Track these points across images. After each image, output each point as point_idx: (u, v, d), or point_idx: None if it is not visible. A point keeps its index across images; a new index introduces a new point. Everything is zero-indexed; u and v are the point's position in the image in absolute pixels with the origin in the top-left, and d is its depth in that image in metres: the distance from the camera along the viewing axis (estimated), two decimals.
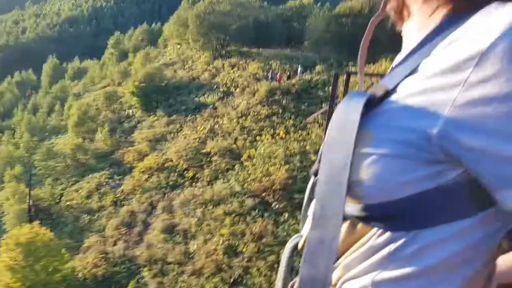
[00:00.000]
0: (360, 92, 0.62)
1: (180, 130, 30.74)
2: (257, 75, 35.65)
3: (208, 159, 24.57)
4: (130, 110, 39.10)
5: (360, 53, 0.80)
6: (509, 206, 0.50)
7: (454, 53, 0.52)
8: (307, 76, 31.90)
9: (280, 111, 28.10)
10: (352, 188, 0.59)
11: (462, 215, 0.56)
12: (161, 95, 38.29)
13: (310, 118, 25.29)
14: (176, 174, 24.29)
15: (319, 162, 0.65)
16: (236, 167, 22.80)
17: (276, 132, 25.65)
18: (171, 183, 23.85)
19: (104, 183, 26.97)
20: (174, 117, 33.33)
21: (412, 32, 0.66)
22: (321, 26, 37.70)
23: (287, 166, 20.55)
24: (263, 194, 19.70)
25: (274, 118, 27.54)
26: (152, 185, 24.09)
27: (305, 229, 0.72)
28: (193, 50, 47.91)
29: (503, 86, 0.47)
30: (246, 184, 20.68)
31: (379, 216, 0.60)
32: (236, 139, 26.18)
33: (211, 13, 42.85)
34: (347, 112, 0.60)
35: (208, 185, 22.32)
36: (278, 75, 33.12)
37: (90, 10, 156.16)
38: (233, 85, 35.34)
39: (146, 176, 25.10)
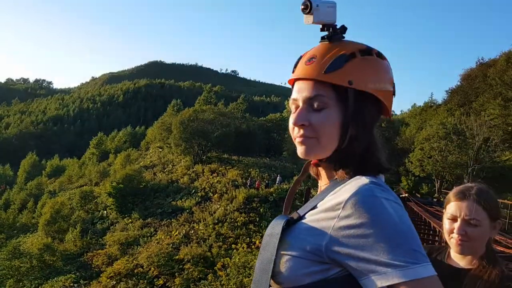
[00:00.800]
0: (284, 216, 1.00)
1: (154, 234, 29.96)
2: (236, 182, 35.96)
3: (181, 266, 23.68)
4: (105, 211, 38.31)
5: (286, 203, 1.22)
6: None
7: (333, 201, 0.91)
8: (285, 186, 32.32)
9: (257, 219, 27.94)
10: (275, 276, 0.92)
11: None
12: (138, 197, 37.91)
13: None
14: (145, 281, 23.16)
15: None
16: (209, 276, 21.94)
17: (253, 240, 25.22)
18: None
19: None
20: (149, 220, 32.67)
21: (322, 185, 1.07)
22: None
23: None
24: None
25: (251, 226, 27.27)
26: None
27: None
28: (174, 154, 48.57)
29: (355, 220, 0.84)
30: None
31: None
32: (211, 246, 25.57)
33: (195, 120, 44.33)
34: (274, 227, 0.97)
35: None
36: (256, 183, 33.51)
37: (76, 111, 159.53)
38: (212, 190, 35.40)
39: (114, 282, 23.81)
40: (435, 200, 29.31)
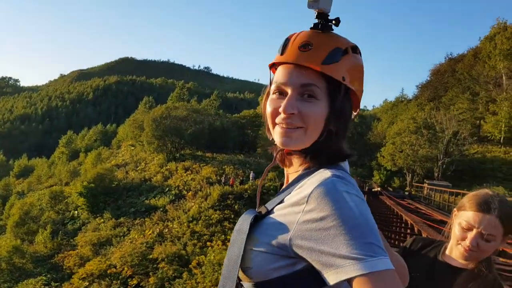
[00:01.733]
0: (252, 211, 1.00)
1: (127, 233, 29.49)
2: (210, 179, 35.77)
3: (155, 265, 23.37)
4: (76, 211, 37.51)
5: (257, 194, 1.22)
6: (329, 283, 0.82)
7: (298, 195, 0.90)
8: (259, 182, 32.29)
9: (232, 216, 27.83)
10: (245, 272, 0.92)
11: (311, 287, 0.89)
12: (110, 197, 37.28)
13: None
14: (119, 282, 22.74)
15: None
16: (184, 275, 21.72)
17: (227, 237, 25.09)
18: None
19: None
20: (121, 219, 32.13)
21: (289, 174, 1.06)
22: None
23: None
24: None
25: (226, 223, 27.15)
26: None
27: None
28: (147, 152, 47.99)
29: (317, 214, 0.84)
30: None
31: None
32: (185, 244, 25.33)
33: (168, 117, 43.84)
34: (242, 223, 0.96)
35: None
36: (230, 179, 33.40)
37: (44, 109, 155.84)
38: (186, 188, 35.12)
39: (86, 283, 23.31)
40: (406, 193, 29.80)
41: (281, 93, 0.97)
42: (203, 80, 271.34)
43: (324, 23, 0.98)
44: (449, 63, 56.18)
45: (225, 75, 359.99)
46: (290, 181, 1.04)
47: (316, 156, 0.98)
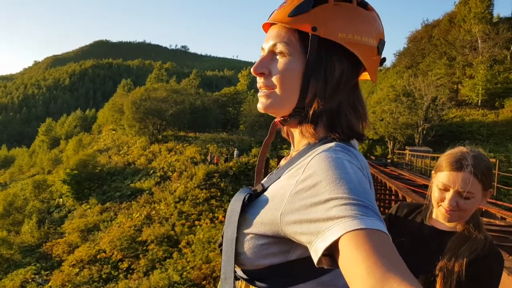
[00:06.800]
0: (246, 189, 0.90)
1: (115, 218, 29.47)
2: (195, 159, 35.74)
3: (144, 247, 23.49)
4: (61, 199, 37.26)
5: (256, 170, 1.08)
6: (316, 261, 0.68)
7: (296, 167, 0.83)
8: (244, 159, 32.40)
9: (219, 194, 27.99)
10: (238, 257, 0.84)
11: (305, 280, 0.82)
12: (95, 182, 37.09)
13: None
14: (109, 266, 22.84)
15: (222, 237, 0.90)
16: (174, 255, 21.91)
17: (215, 215, 25.29)
18: (104, 276, 22.31)
19: (30, 280, 24.68)
20: (108, 204, 32.05)
21: (292, 146, 0.97)
22: (255, 111, 39.18)
23: None
24: (203, 283, 18.90)
25: (213, 201, 27.31)
26: (83, 279, 22.36)
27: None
28: (128, 136, 47.60)
29: (312, 181, 0.74)
30: (185, 273, 19.79)
31: (254, 279, 0.86)
32: (174, 225, 25.45)
33: (147, 99, 43.38)
34: (235, 203, 0.87)
35: (144, 276, 21.08)
36: (215, 158, 33.44)
37: (21, 98, 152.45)
38: (170, 169, 35.06)
39: (77, 269, 23.37)
40: (388, 161, 30.21)
41: None
42: (181, 60, 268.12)
43: None
44: (425, 29, 56.38)
45: (203, 53, 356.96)
46: (294, 153, 0.94)
47: (312, 125, 0.88)
